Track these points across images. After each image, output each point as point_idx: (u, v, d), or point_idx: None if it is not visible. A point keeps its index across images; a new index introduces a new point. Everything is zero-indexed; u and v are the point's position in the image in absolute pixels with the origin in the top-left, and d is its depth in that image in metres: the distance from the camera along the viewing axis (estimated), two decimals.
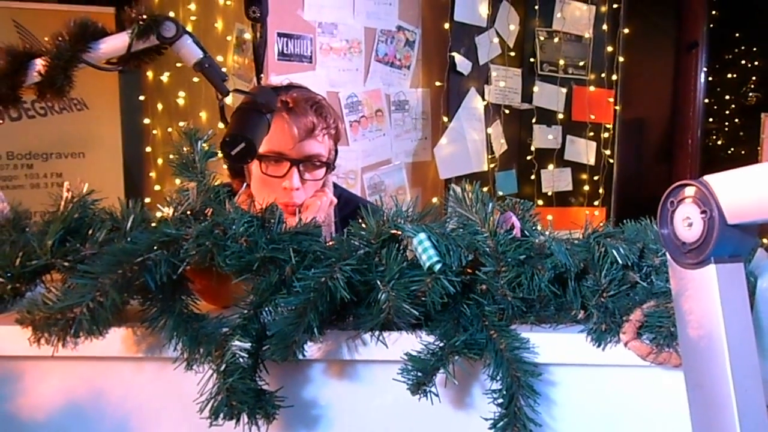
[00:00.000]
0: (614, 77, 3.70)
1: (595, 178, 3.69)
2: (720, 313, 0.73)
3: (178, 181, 1.04)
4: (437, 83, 3.21)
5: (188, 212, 0.96)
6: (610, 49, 3.67)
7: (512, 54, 3.44)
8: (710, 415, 0.75)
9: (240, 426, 0.90)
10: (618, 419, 0.99)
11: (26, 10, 3.08)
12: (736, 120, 4.65)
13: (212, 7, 2.85)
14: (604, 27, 3.65)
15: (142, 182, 3.47)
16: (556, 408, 0.99)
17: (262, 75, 1.35)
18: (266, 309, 0.93)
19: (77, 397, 1.00)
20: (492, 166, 3.37)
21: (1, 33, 2.93)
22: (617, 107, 3.74)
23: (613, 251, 0.97)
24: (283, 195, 1.45)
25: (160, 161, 3.29)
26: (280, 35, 2.63)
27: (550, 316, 1.00)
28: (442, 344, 0.93)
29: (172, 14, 2.98)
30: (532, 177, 3.54)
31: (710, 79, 4.47)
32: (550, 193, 3.58)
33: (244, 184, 1.52)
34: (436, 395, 0.91)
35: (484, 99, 3.31)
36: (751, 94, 4.60)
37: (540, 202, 3.54)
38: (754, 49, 4.57)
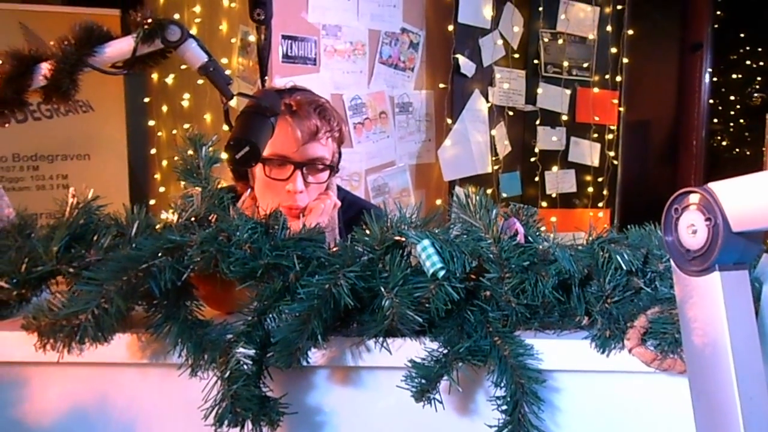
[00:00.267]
0: (618, 78, 3.69)
1: (600, 179, 3.68)
2: (725, 320, 0.73)
3: (182, 184, 1.04)
4: (441, 85, 3.21)
5: (192, 218, 0.96)
6: (614, 50, 3.66)
7: (516, 56, 3.44)
8: (715, 422, 0.74)
9: None
10: (622, 426, 0.99)
11: (32, 12, 3.09)
12: (741, 121, 4.64)
13: (217, 10, 2.86)
14: (609, 28, 3.65)
15: (147, 184, 3.48)
16: (561, 414, 0.99)
17: (266, 77, 1.35)
18: (270, 316, 0.93)
19: (82, 403, 1.01)
20: (496, 167, 3.36)
21: (7, 35, 2.94)
22: (621, 108, 3.73)
23: (617, 257, 0.97)
24: (287, 198, 1.46)
25: (165, 163, 3.30)
26: (284, 37, 2.63)
27: (554, 323, 1.00)
28: (446, 351, 0.93)
29: (177, 16, 2.99)
30: (536, 179, 3.53)
31: (715, 80, 4.46)
32: (554, 195, 3.58)
33: (249, 189, 1.53)
34: (440, 402, 0.91)
35: (488, 101, 3.31)
36: (756, 94, 4.59)
37: (544, 204, 3.54)
38: (759, 49, 4.56)
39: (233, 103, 1.26)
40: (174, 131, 3.23)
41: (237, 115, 1.22)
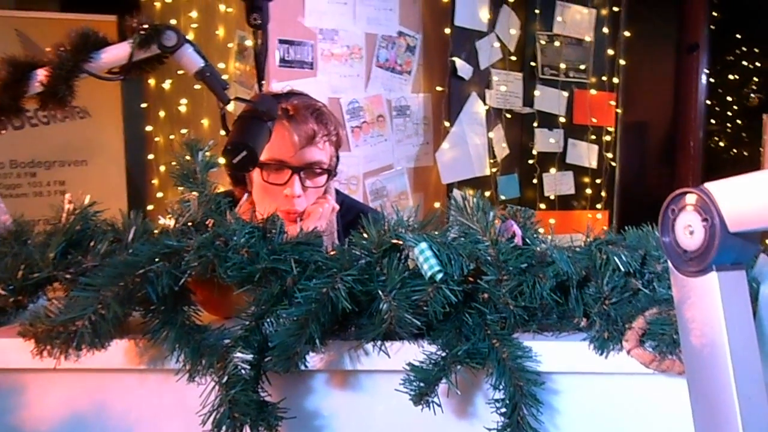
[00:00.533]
0: (615, 80, 3.70)
1: (598, 181, 3.68)
2: (722, 321, 0.73)
3: (180, 189, 1.04)
4: (438, 88, 3.21)
5: (189, 223, 0.96)
6: (610, 52, 3.67)
7: (513, 58, 3.44)
8: (714, 423, 0.74)
9: None
10: (622, 427, 0.99)
11: (28, 19, 3.09)
12: (738, 121, 4.64)
13: (213, 15, 2.86)
14: (605, 30, 3.65)
15: (145, 189, 3.48)
16: (559, 416, 0.98)
17: (263, 82, 1.35)
18: (268, 320, 0.93)
19: (80, 410, 1.00)
20: (494, 170, 3.37)
21: (4, 42, 2.94)
22: (619, 110, 3.74)
23: (615, 258, 0.96)
24: (285, 202, 1.45)
25: (162, 168, 3.29)
26: (281, 42, 2.63)
27: (553, 325, 1.00)
28: (444, 354, 0.93)
29: (173, 21, 2.99)
30: (534, 181, 3.54)
31: (711, 80, 4.46)
32: (552, 197, 3.58)
33: (246, 193, 1.52)
34: (439, 405, 0.90)
35: (485, 103, 3.31)
36: (752, 95, 4.60)
37: (542, 206, 3.54)
38: (755, 50, 4.57)
39: (230, 107, 1.26)
40: (171, 136, 3.23)
41: (234, 119, 1.22)
